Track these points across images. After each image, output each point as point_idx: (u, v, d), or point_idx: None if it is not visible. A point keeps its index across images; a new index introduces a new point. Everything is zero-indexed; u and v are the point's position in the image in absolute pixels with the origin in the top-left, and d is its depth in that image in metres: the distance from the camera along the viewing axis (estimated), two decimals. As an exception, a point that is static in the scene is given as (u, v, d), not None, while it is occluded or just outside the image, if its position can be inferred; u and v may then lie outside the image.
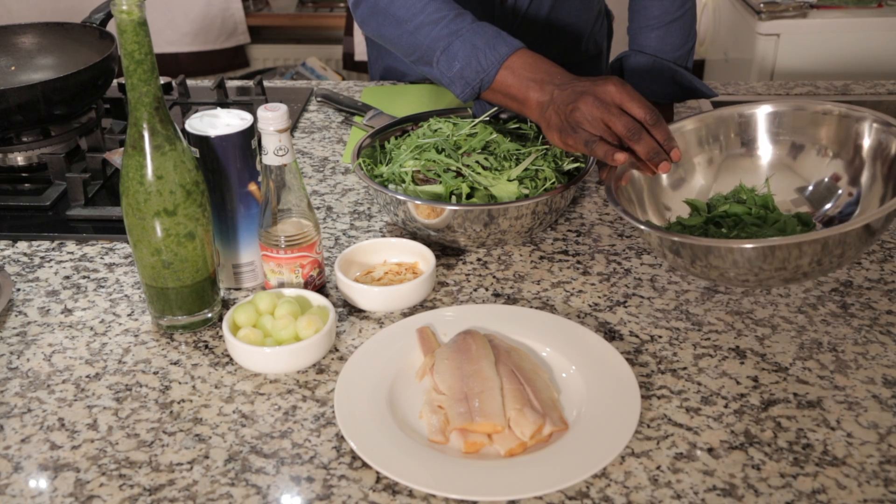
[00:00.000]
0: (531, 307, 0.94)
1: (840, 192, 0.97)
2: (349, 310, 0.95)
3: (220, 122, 0.91)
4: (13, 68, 1.39)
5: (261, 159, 0.89)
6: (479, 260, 1.04)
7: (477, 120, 1.13)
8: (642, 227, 0.88)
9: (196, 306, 0.90)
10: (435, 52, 1.06)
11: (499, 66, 1.02)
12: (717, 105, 1.45)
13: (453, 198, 1.02)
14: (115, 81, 1.45)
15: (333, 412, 0.80)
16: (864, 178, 0.96)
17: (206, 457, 0.75)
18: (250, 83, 1.56)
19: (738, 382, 0.83)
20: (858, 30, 2.29)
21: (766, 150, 1.04)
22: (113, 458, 0.75)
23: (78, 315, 0.94)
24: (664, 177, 1.03)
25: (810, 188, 1.00)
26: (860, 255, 0.88)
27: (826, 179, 0.99)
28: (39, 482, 0.73)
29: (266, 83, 1.59)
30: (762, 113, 1.04)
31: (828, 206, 0.97)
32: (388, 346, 0.87)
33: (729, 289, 0.97)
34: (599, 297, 0.96)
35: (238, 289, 0.99)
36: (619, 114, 0.93)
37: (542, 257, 1.04)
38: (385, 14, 1.11)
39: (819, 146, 1.00)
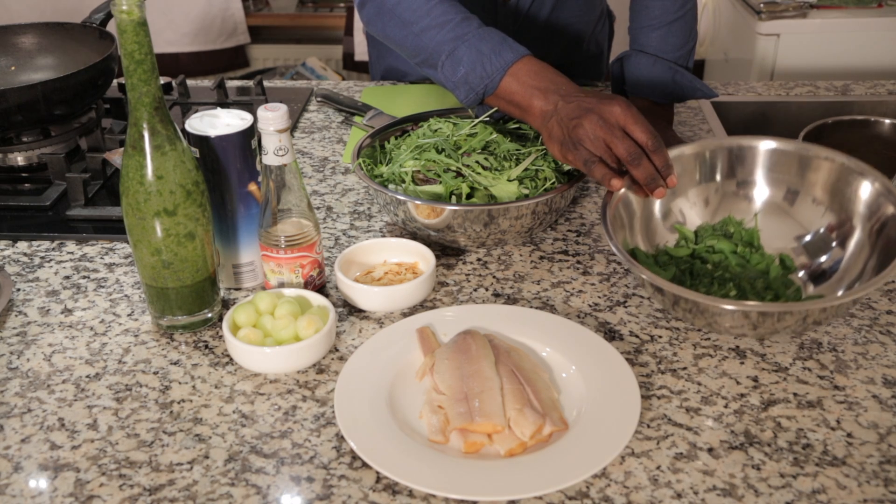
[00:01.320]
0: (531, 307, 0.94)
1: (834, 244, 0.96)
2: (349, 310, 0.95)
3: (220, 122, 0.91)
4: (13, 68, 1.39)
5: (261, 159, 0.89)
6: (479, 260, 1.04)
7: (477, 120, 1.13)
8: (622, 255, 0.87)
9: (196, 306, 0.90)
10: (440, 56, 1.06)
11: (503, 73, 1.02)
12: (716, 105, 1.45)
13: (453, 198, 1.02)
14: (115, 81, 1.45)
15: (333, 412, 0.80)
16: (854, 237, 0.94)
17: (206, 457, 0.75)
18: (250, 83, 1.56)
19: (738, 382, 0.83)
20: (858, 30, 2.28)
21: (762, 191, 1.02)
22: (113, 458, 0.75)
23: (78, 315, 0.94)
24: (658, 210, 1.02)
25: (808, 238, 0.98)
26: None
27: (822, 230, 0.97)
28: (39, 482, 0.73)
29: (266, 83, 1.58)
30: (764, 148, 1.01)
31: (823, 258, 0.96)
32: (388, 346, 0.87)
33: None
34: (599, 297, 0.96)
35: (238, 289, 0.99)
36: (621, 136, 0.93)
37: (542, 257, 1.04)
38: (391, 15, 1.11)
39: (814, 196, 0.98)
